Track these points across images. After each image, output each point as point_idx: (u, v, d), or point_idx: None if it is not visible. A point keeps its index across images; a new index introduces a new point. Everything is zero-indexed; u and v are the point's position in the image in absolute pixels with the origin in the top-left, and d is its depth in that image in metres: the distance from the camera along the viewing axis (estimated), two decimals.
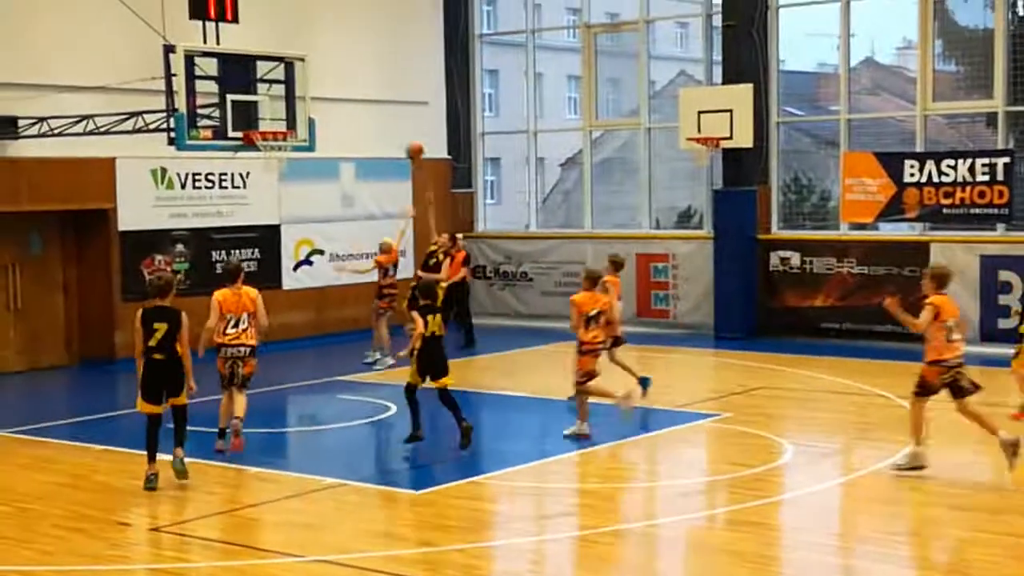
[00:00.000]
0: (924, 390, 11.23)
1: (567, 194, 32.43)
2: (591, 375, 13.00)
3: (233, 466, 12.14)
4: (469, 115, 24.10)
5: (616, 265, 15.34)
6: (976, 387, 11.15)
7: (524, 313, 23.02)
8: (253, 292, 12.73)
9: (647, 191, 22.42)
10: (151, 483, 11.21)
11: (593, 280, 13.29)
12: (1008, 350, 18.09)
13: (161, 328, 11.21)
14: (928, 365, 11.13)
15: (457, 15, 23.75)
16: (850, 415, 14.37)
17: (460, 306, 20.09)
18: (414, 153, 17.29)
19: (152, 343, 11.22)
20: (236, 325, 12.51)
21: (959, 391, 11.12)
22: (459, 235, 20.77)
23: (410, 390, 12.50)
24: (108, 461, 12.50)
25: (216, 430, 12.65)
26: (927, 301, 11.11)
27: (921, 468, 11.21)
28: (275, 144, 15.75)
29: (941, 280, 11.21)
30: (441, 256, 17.62)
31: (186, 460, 11.46)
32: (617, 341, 14.72)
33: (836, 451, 12.84)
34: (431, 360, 12.38)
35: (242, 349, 12.52)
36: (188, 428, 11.67)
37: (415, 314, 12.56)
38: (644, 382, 14.92)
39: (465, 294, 20.39)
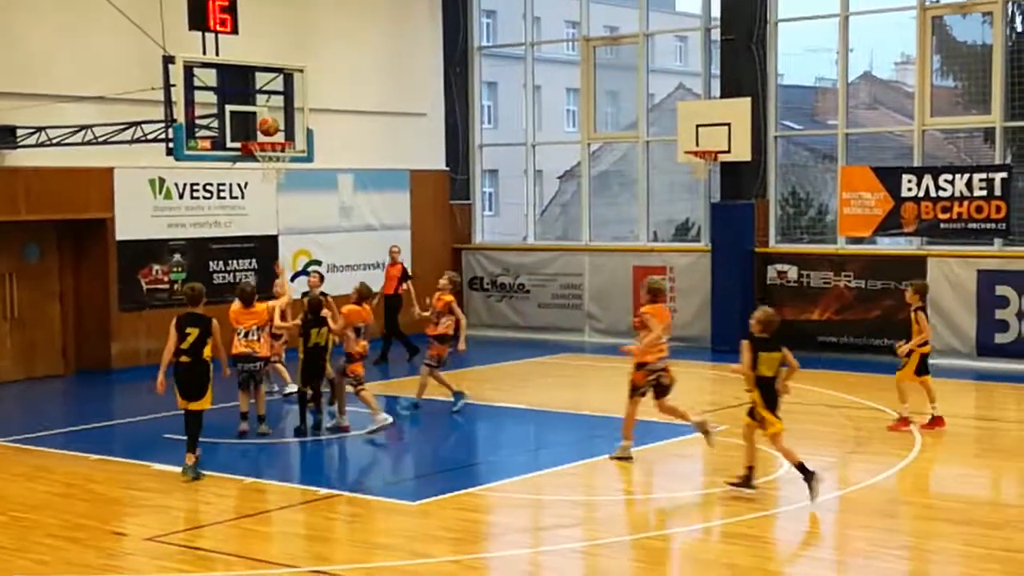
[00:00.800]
0: (634, 390, 12.55)
1: (565, 206, 32.49)
2: (361, 379, 14.04)
3: (229, 476, 12.14)
4: (468, 127, 24.13)
5: (455, 284, 15.72)
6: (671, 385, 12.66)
7: (521, 325, 23.02)
8: (262, 306, 14.05)
9: (645, 204, 22.44)
10: (193, 471, 11.93)
11: (362, 295, 14.38)
12: (1005, 365, 18.22)
13: (193, 333, 12.00)
14: (636, 369, 12.49)
15: (456, 27, 23.79)
16: (846, 429, 14.36)
17: (391, 321, 19.60)
18: (271, 130, 15.49)
19: (184, 346, 11.99)
20: (246, 336, 13.70)
21: (661, 390, 12.54)
22: (395, 247, 20.15)
23: (300, 396, 13.88)
24: (103, 471, 12.47)
25: (213, 440, 12.67)
26: (643, 311, 12.59)
27: (630, 459, 12.48)
28: (273, 155, 15.75)
29: (655, 294, 12.71)
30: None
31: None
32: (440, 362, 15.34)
33: (832, 465, 12.81)
34: (309, 369, 13.72)
35: (257, 364, 13.82)
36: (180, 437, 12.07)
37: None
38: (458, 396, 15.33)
39: (397, 309, 19.65)
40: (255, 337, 13.73)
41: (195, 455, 12.01)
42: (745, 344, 11.23)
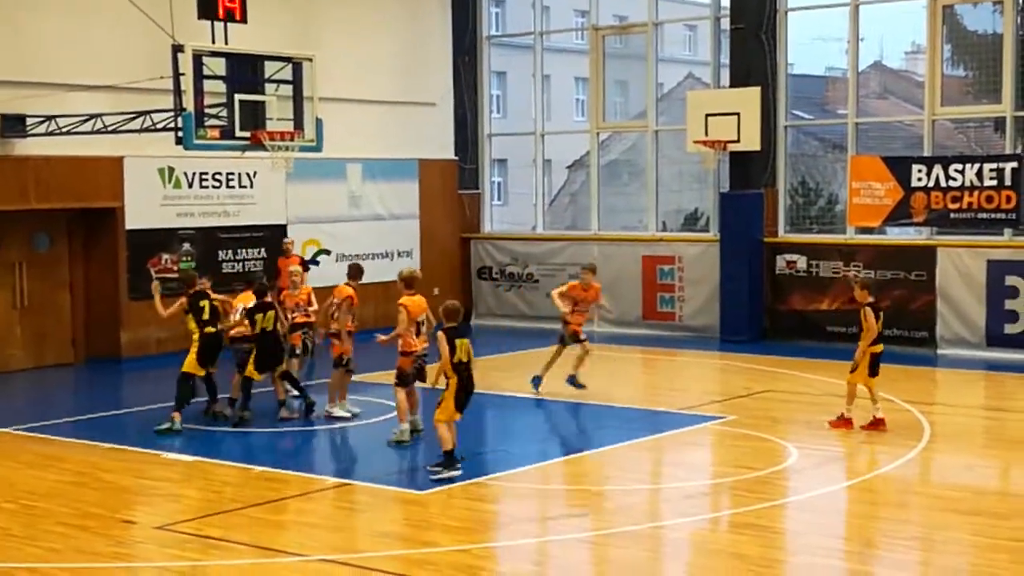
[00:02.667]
0: (402, 380, 12.76)
1: (574, 196, 32.45)
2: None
3: (238, 465, 12.18)
4: (477, 116, 24.11)
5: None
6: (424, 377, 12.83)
7: (529, 314, 23.02)
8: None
9: (654, 193, 22.41)
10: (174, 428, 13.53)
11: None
12: (1014, 355, 18.19)
13: (206, 305, 13.78)
14: (403, 356, 12.68)
15: (465, 17, 23.76)
16: (855, 419, 14.34)
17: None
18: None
19: (204, 317, 13.73)
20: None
21: (420, 376, 12.78)
22: (289, 240, 19.07)
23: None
24: (113, 459, 12.51)
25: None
26: (399, 303, 12.61)
27: (407, 443, 12.74)
28: (282, 144, 15.76)
29: (408, 282, 12.76)
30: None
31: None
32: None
33: (841, 455, 12.83)
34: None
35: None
36: (191, 426, 12.97)
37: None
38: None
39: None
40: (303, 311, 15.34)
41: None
42: (441, 335, 11.50)
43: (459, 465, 11.48)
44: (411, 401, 13.03)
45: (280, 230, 20.69)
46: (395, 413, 13.14)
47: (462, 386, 11.50)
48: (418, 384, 12.99)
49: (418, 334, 12.66)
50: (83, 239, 18.95)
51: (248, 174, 20.10)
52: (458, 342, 11.49)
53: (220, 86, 15.62)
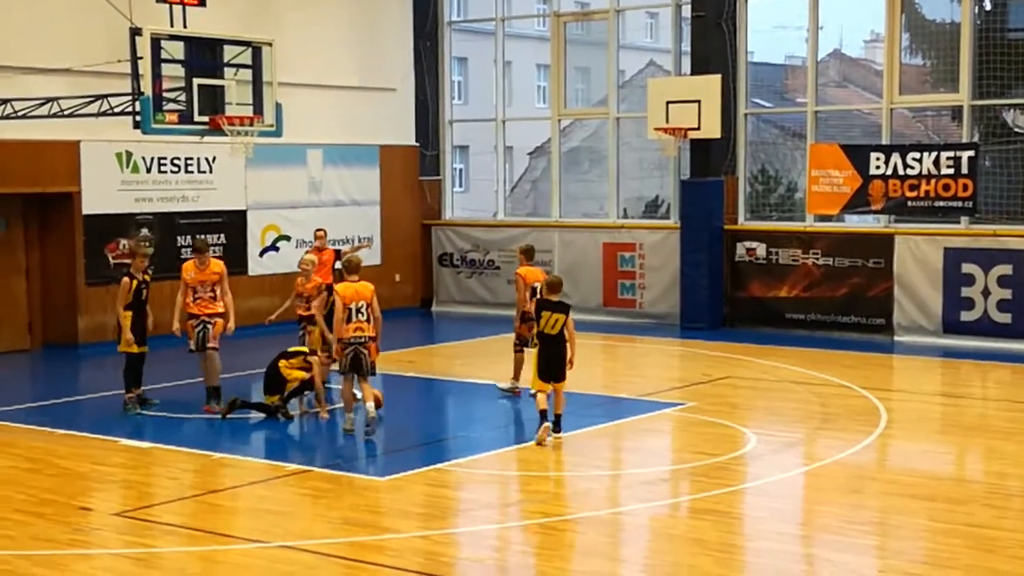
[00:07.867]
0: (340, 367, 12.65)
1: (535, 183, 32.48)
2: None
3: (198, 452, 12.11)
4: (438, 102, 24.04)
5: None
6: (373, 369, 12.67)
7: (491, 301, 23.02)
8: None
9: (615, 180, 22.44)
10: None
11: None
12: (970, 342, 18.36)
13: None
14: (336, 343, 12.55)
15: (427, 1, 23.67)
16: (813, 405, 14.46)
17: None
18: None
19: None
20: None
21: (358, 367, 12.48)
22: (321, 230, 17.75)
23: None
24: (69, 446, 12.41)
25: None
26: (335, 288, 12.70)
27: (351, 431, 12.67)
28: (242, 129, 15.64)
29: (347, 268, 12.62)
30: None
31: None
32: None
33: (799, 441, 12.92)
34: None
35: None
36: (157, 413, 12.53)
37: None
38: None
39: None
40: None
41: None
42: (531, 302, 12.12)
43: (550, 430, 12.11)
44: (366, 393, 12.60)
45: (240, 215, 20.58)
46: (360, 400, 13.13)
47: (543, 355, 12.09)
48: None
49: (349, 320, 12.38)
50: (39, 224, 18.76)
51: (207, 159, 19.96)
52: (545, 314, 12.09)
53: (179, 70, 15.47)
